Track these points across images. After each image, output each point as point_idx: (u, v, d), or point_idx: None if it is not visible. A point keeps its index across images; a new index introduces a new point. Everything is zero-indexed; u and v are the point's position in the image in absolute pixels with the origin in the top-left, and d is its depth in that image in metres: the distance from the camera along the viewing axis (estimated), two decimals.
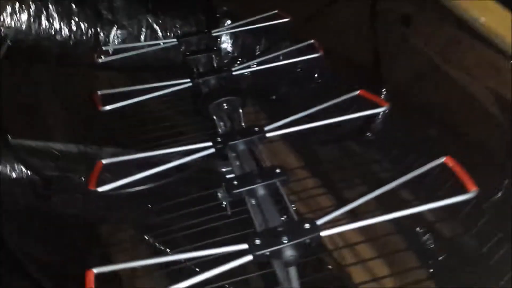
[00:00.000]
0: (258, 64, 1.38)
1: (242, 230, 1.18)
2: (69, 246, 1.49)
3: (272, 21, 1.51)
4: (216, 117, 1.19)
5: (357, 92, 1.10)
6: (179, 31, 1.68)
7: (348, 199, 0.94)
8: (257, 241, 0.78)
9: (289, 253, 0.77)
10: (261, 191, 0.93)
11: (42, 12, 1.48)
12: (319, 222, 0.81)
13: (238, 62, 1.75)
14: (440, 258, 1.38)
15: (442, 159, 0.82)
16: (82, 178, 1.38)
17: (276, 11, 1.50)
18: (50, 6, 1.50)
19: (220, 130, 1.17)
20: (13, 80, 1.57)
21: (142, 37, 1.64)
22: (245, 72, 1.34)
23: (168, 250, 1.47)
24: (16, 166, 1.31)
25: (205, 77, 1.30)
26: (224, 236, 1.27)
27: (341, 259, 1.38)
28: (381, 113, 1.53)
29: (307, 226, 0.79)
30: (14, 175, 1.32)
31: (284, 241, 0.77)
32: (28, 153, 1.33)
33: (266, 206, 0.89)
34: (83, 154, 1.41)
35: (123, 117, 1.43)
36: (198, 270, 1.08)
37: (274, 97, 1.86)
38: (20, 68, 1.63)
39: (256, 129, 1.08)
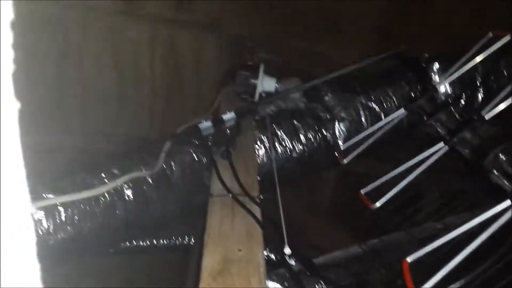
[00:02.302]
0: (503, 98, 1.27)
1: None
2: None
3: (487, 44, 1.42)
4: (496, 171, 1.11)
5: None
6: (394, 98, 1.66)
7: None
8: None
9: None
10: None
11: (275, 140, 1.60)
12: None
13: (462, 100, 1.66)
14: None
15: None
16: (377, 276, 1.38)
17: (490, 33, 1.40)
18: (278, 132, 1.61)
19: (509, 185, 1.08)
20: None
21: (363, 119, 1.66)
22: (497, 111, 1.24)
23: None
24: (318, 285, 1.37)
25: (458, 134, 1.24)
26: None
27: None
28: None
29: None
30: None
31: None
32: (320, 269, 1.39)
33: None
34: (368, 254, 1.42)
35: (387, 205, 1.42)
36: None
37: None
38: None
39: None
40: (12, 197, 0.35)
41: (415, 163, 1.32)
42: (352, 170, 1.64)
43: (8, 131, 0.28)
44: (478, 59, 1.42)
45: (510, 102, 1.23)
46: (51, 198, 1.21)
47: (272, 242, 1.24)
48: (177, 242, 1.99)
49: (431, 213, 1.48)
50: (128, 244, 1.81)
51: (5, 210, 0.35)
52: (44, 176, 1.29)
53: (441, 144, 1.27)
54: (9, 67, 0.27)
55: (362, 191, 1.33)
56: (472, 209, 1.32)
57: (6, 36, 0.26)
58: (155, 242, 1.91)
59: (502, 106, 1.24)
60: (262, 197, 1.33)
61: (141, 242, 1.86)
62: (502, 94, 1.28)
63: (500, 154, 1.09)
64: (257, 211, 1.18)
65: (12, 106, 0.28)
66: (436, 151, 1.28)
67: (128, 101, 2.13)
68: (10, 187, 0.34)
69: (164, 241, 1.94)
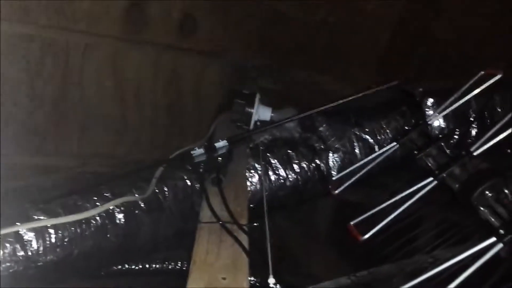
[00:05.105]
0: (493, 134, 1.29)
1: None
2: None
3: (480, 82, 1.43)
4: (483, 207, 1.11)
5: None
6: (387, 130, 1.68)
7: None
8: None
9: None
10: None
11: (268, 168, 1.62)
12: None
13: (456, 136, 1.68)
14: None
15: None
16: None
17: (482, 72, 1.42)
18: (271, 160, 1.63)
19: (495, 221, 1.08)
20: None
21: (357, 151, 1.67)
22: (485, 149, 1.25)
23: None
24: None
25: (447, 169, 1.24)
26: None
27: None
28: None
29: None
30: None
31: None
32: None
33: None
34: (357, 286, 1.41)
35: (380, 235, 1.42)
36: None
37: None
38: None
39: None
40: None
41: (406, 196, 1.32)
42: (347, 200, 1.65)
43: None
44: (471, 95, 1.44)
45: (498, 139, 1.24)
46: (41, 220, 1.23)
47: (261, 270, 1.24)
48: (170, 267, 1.98)
49: (422, 246, 1.48)
50: (121, 267, 1.80)
51: None
52: (36, 197, 1.31)
53: (431, 178, 1.28)
54: None
55: (352, 223, 1.33)
56: (464, 242, 1.32)
57: None
58: (147, 266, 1.91)
59: (491, 143, 1.25)
60: (255, 224, 1.34)
61: (133, 265, 1.86)
62: (492, 131, 1.30)
63: (486, 191, 1.10)
64: (244, 239, 1.18)
65: None
66: (426, 185, 1.28)
67: (129, 125, 2.16)
68: None
69: (157, 265, 1.94)
